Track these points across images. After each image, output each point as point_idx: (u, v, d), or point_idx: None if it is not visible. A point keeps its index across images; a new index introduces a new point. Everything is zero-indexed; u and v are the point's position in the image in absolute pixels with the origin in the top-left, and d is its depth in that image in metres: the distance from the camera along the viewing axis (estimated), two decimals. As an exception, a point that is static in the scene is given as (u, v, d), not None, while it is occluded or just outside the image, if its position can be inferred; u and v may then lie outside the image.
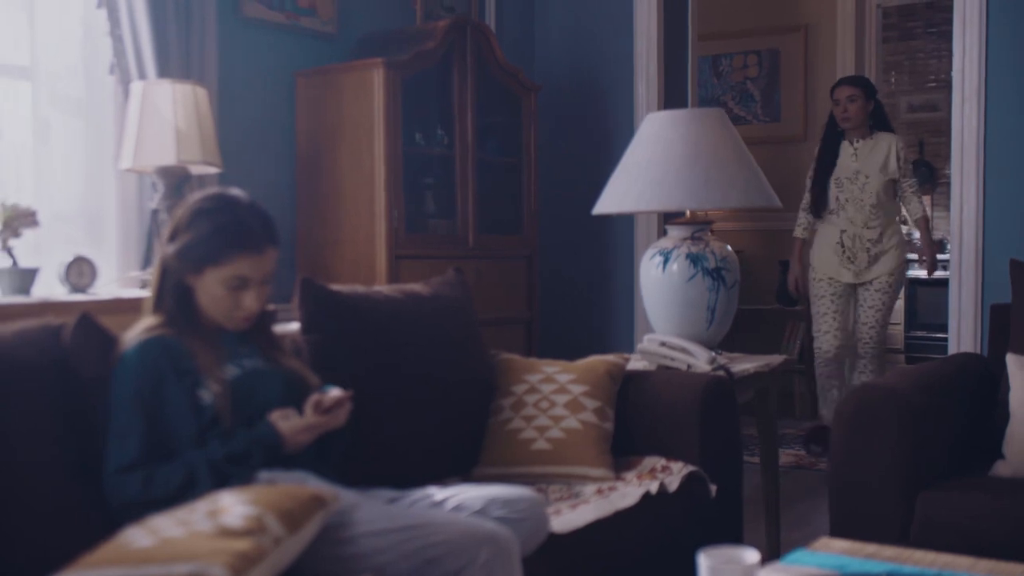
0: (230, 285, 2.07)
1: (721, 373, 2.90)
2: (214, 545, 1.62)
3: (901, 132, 6.82)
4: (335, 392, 2.11)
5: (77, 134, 3.47)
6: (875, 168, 4.68)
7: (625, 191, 3.11)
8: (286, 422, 2.02)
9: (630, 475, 2.58)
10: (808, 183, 4.92)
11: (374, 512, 1.88)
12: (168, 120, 3.20)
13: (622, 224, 4.98)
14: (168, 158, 3.21)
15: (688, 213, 3.18)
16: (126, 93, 3.39)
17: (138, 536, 1.68)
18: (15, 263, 2.97)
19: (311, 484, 1.96)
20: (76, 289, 3.06)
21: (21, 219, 2.97)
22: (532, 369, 2.78)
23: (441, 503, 2.05)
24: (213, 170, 3.41)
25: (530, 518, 2.02)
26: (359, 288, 2.68)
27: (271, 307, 2.52)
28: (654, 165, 3.05)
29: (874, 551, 1.91)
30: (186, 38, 3.59)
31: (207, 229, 2.07)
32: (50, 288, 3.11)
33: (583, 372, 2.75)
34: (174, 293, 2.10)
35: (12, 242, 2.98)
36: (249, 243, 2.08)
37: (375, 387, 2.55)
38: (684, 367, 2.96)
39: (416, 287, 2.82)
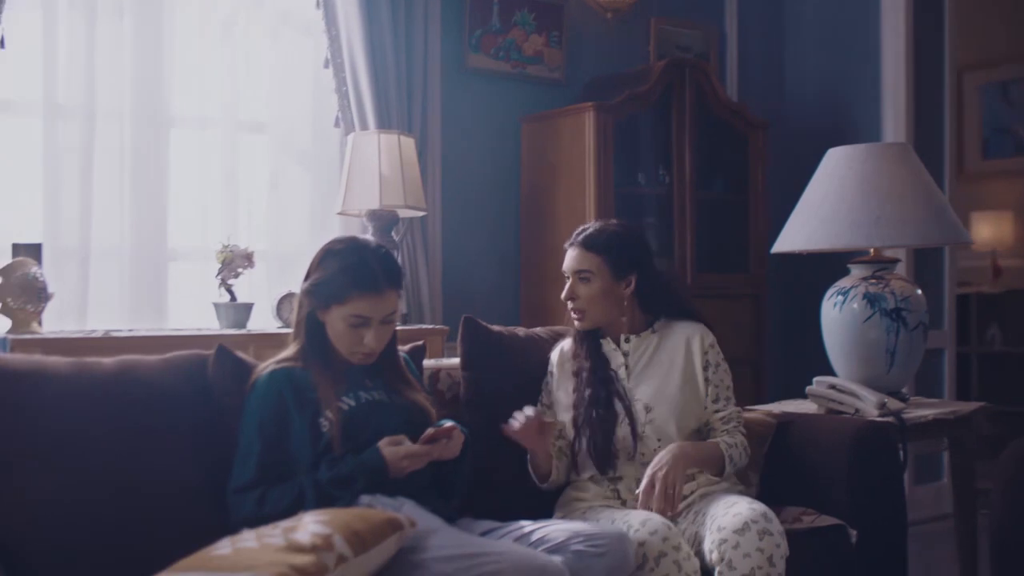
0: (351, 323, 2.24)
1: (889, 419, 2.74)
2: (275, 557, 1.78)
3: None
4: (446, 425, 2.23)
5: (305, 183, 3.82)
6: (669, 400, 2.43)
7: (799, 229, 3.02)
8: (391, 448, 2.14)
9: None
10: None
11: (448, 539, 1.97)
12: (373, 167, 3.48)
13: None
14: (373, 202, 3.47)
15: (872, 251, 3.03)
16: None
17: (223, 546, 1.87)
18: (233, 298, 3.32)
19: (406, 510, 2.08)
20: (286, 323, 3.38)
21: (239, 260, 3.32)
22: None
23: (528, 534, 2.11)
24: (419, 213, 3.65)
25: (610, 553, 2.03)
26: (517, 329, 2.78)
27: (408, 345, 2.68)
28: (827, 202, 2.94)
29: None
30: (407, 92, 3.87)
31: (333, 269, 2.26)
32: (266, 321, 3.45)
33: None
34: (307, 326, 2.30)
35: (232, 281, 3.33)
36: (369, 285, 2.23)
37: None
38: (852, 411, 2.82)
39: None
